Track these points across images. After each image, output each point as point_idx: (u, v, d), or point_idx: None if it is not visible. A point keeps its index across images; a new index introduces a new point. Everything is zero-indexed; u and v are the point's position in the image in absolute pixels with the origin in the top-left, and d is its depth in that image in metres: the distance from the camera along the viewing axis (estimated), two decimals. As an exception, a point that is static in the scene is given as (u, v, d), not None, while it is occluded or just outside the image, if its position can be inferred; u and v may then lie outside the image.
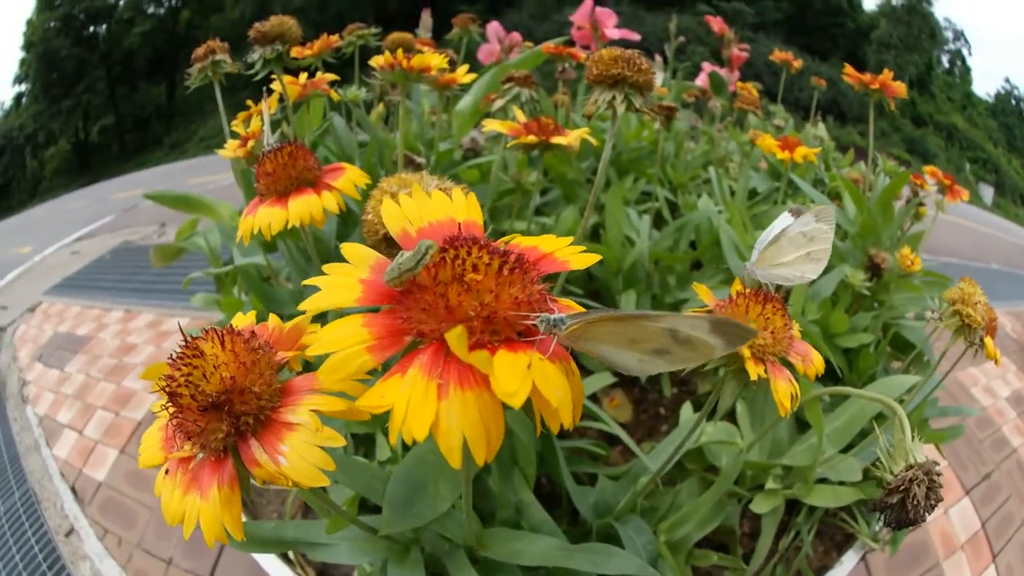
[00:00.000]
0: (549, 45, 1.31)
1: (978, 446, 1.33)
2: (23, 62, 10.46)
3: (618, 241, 1.10)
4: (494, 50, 1.61)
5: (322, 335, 0.26)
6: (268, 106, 0.75)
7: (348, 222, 0.93)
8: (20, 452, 1.36)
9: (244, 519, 0.30)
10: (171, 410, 0.30)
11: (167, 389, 0.30)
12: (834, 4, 11.65)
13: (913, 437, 0.41)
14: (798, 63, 1.86)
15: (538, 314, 0.28)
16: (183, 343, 0.31)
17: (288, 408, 0.30)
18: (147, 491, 1.12)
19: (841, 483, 0.80)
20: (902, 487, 0.38)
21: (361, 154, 1.02)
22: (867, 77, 1.03)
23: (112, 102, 11.10)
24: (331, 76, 0.92)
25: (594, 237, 1.17)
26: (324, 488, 0.49)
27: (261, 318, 0.37)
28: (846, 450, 0.79)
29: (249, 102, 0.88)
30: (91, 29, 10.82)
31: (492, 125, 0.73)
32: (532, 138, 0.70)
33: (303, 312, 0.31)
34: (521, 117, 0.76)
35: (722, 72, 2.05)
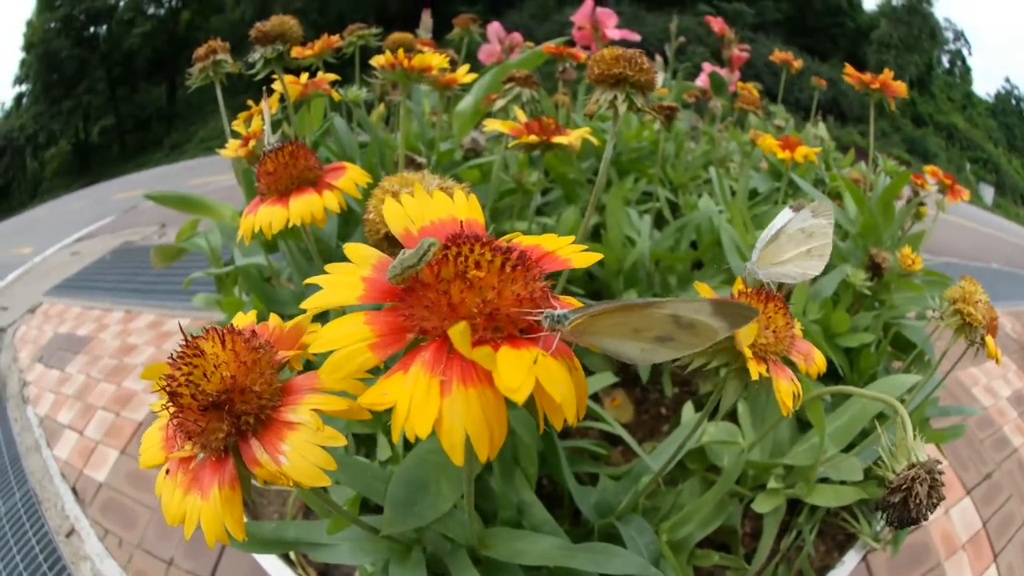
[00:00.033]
0: (550, 45, 1.31)
1: (979, 446, 1.33)
2: (23, 63, 10.47)
3: (619, 241, 1.10)
4: (495, 50, 1.61)
5: (323, 333, 0.26)
6: (269, 106, 0.75)
7: (349, 222, 0.93)
8: (21, 453, 1.36)
9: (245, 519, 0.30)
10: (171, 410, 0.30)
11: (167, 389, 0.30)
12: (834, 4, 11.65)
13: (915, 436, 0.41)
14: (798, 63, 1.86)
15: (542, 310, 0.28)
16: (183, 342, 0.31)
17: (289, 407, 0.30)
18: (148, 492, 1.12)
19: (843, 482, 0.80)
20: (904, 486, 0.38)
21: (362, 154, 1.02)
22: (867, 77, 1.03)
23: (112, 103, 11.11)
24: (332, 76, 0.92)
25: (595, 237, 1.17)
26: (325, 488, 0.49)
27: (262, 318, 0.37)
28: (847, 449, 0.79)
29: (250, 102, 0.88)
30: (91, 30, 10.83)
31: (493, 125, 0.73)
32: (533, 138, 0.70)
33: (304, 312, 0.31)
34: (522, 117, 0.76)
35: (722, 72, 2.05)
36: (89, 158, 10.63)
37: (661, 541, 0.68)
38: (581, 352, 0.31)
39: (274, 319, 0.37)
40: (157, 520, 1.06)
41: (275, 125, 0.75)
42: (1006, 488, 1.23)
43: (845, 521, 0.93)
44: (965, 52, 12.12)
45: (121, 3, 10.98)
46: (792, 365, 0.47)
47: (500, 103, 0.89)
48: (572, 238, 0.33)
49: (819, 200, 0.56)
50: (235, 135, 0.82)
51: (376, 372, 0.26)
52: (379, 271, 0.30)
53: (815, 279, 0.98)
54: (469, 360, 0.25)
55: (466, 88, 1.11)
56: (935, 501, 0.38)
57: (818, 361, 0.48)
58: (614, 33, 1.58)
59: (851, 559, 0.92)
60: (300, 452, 0.28)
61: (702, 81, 2.04)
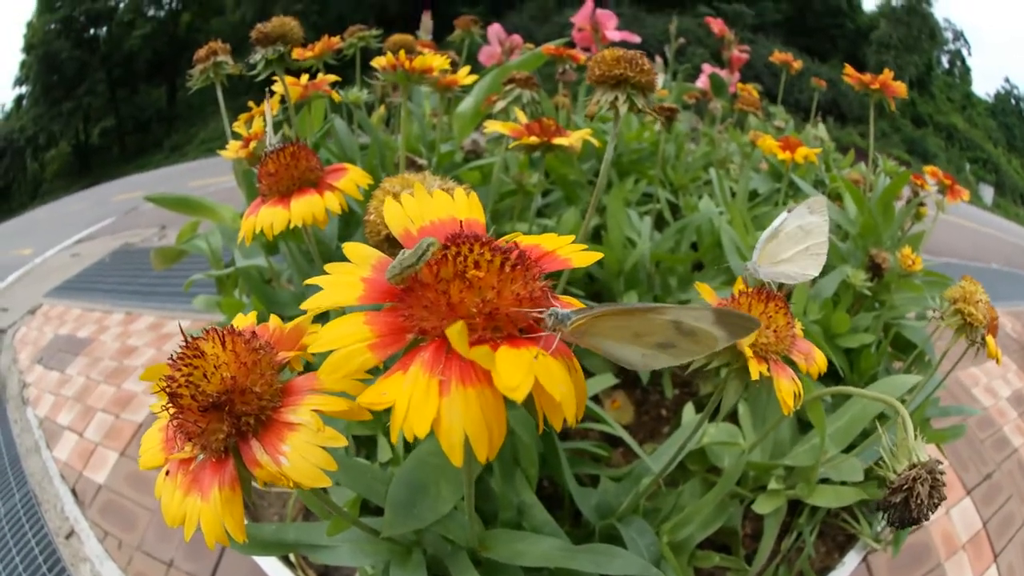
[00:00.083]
0: (550, 47, 1.31)
1: (979, 446, 1.33)
2: (23, 64, 10.47)
3: (619, 242, 1.10)
4: (495, 52, 1.62)
5: (323, 333, 0.26)
6: (270, 107, 0.75)
7: (350, 223, 0.93)
8: (20, 454, 1.36)
9: (245, 521, 0.30)
10: (171, 411, 0.30)
11: (167, 390, 0.30)
12: (834, 5, 11.66)
13: (916, 436, 0.41)
14: (798, 64, 1.86)
15: (543, 309, 0.27)
16: (184, 343, 0.31)
17: (289, 408, 0.30)
18: (148, 493, 1.12)
19: (843, 483, 0.80)
20: (905, 486, 0.38)
21: (362, 156, 1.02)
22: (867, 77, 1.03)
23: (112, 104, 11.11)
24: (332, 77, 0.92)
25: (596, 239, 1.17)
26: (325, 490, 0.49)
27: (262, 319, 0.37)
28: (848, 450, 0.79)
29: (251, 103, 0.88)
30: (91, 31, 10.84)
31: (494, 126, 0.73)
32: (534, 139, 0.70)
33: (305, 312, 0.31)
34: (523, 118, 0.76)
35: (722, 73, 2.05)
36: (89, 160, 10.63)
37: (662, 542, 0.68)
38: (581, 354, 0.31)
39: (274, 320, 0.37)
40: (157, 522, 1.06)
41: (276, 126, 0.75)
42: (1006, 488, 1.23)
43: (846, 522, 0.93)
44: (965, 52, 12.13)
45: (121, 5, 10.99)
46: (793, 365, 0.47)
47: (500, 104, 0.89)
48: (572, 237, 0.33)
49: (814, 198, 0.56)
50: (236, 136, 0.82)
51: (376, 372, 0.26)
52: (379, 271, 0.30)
53: (815, 279, 0.98)
54: (468, 360, 0.25)
55: (467, 90, 1.12)
56: (936, 501, 0.38)
57: (819, 361, 0.48)
58: (614, 35, 1.58)
59: (852, 560, 0.92)
60: (300, 453, 0.28)
61: (702, 82, 2.04)
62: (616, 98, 0.55)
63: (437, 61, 0.74)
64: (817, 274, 0.56)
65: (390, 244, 0.47)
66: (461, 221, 0.33)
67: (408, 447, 0.77)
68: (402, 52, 0.73)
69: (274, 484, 0.29)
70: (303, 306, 0.28)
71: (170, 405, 0.30)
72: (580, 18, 1.60)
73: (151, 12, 11.21)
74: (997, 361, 0.62)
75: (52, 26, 10.35)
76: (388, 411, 0.24)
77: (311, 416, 0.29)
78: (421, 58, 0.73)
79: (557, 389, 0.25)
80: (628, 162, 1.43)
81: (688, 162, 1.60)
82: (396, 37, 1.17)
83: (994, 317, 0.61)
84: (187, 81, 0.86)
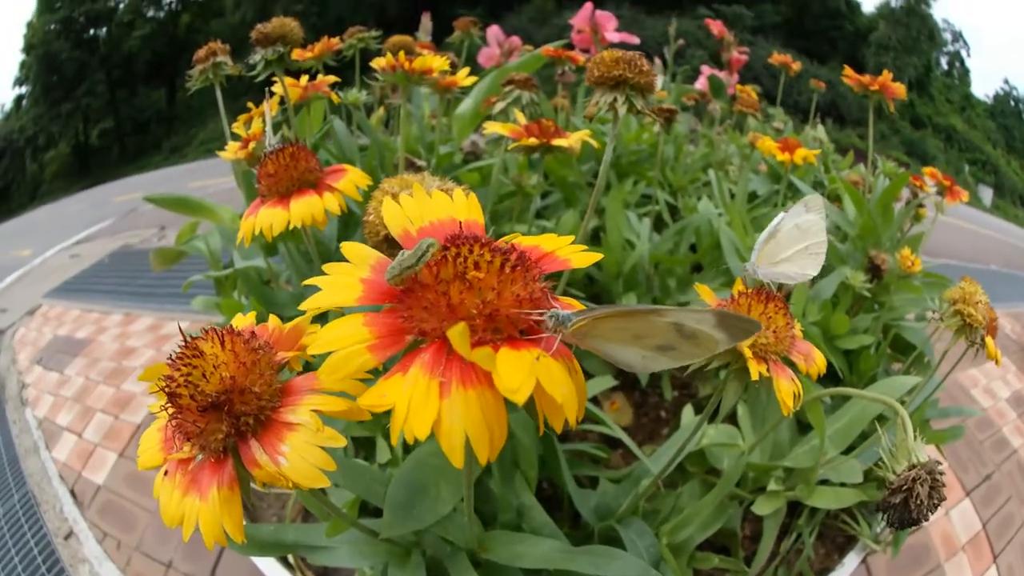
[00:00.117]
0: (549, 48, 1.31)
1: (978, 447, 1.33)
2: (23, 64, 10.48)
3: (618, 244, 1.10)
4: (494, 54, 1.62)
5: (322, 334, 0.26)
6: (269, 108, 0.75)
7: (349, 224, 0.93)
8: (19, 454, 1.36)
9: (244, 522, 0.29)
10: (170, 411, 0.30)
11: (166, 389, 0.29)
12: (833, 7, 11.68)
13: (915, 437, 0.41)
14: (797, 66, 1.87)
15: (544, 311, 0.27)
16: (183, 343, 0.31)
17: (288, 408, 0.30)
18: (146, 494, 1.12)
19: (843, 484, 0.79)
20: (905, 486, 0.38)
21: (362, 157, 1.02)
22: (867, 79, 1.03)
23: (112, 105, 11.12)
24: (332, 78, 0.92)
25: (594, 240, 1.17)
26: (324, 491, 0.49)
27: (261, 320, 0.37)
28: (847, 451, 0.79)
29: (250, 104, 0.88)
30: (91, 32, 10.85)
31: (493, 127, 0.73)
32: (533, 140, 0.70)
33: (304, 313, 0.31)
34: (522, 119, 0.76)
35: (721, 75, 2.05)
36: (88, 160, 10.64)
37: (661, 544, 0.68)
38: (579, 356, 0.31)
39: (273, 320, 0.37)
40: (156, 523, 1.05)
41: (275, 127, 0.75)
42: (1005, 489, 1.23)
43: (845, 523, 0.93)
44: (964, 54, 12.16)
45: (121, 6, 11.00)
46: (792, 365, 0.47)
47: (500, 106, 0.89)
48: (571, 238, 0.33)
49: (811, 197, 0.56)
50: (235, 137, 0.82)
51: (376, 373, 0.26)
52: (378, 272, 0.29)
53: (814, 280, 0.98)
54: (468, 361, 0.24)
55: (466, 91, 1.12)
56: (936, 502, 0.38)
57: (818, 361, 0.48)
58: (613, 36, 1.58)
59: (851, 561, 0.91)
60: (300, 453, 0.28)
61: (701, 84, 2.04)
62: (615, 99, 0.55)
63: (436, 62, 0.74)
64: (816, 273, 0.56)
65: (389, 245, 0.47)
66: (460, 222, 0.33)
67: (407, 448, 0.77)
68: (401, 53, 0.73)
69: (273, 485, 0.28)
70: (302, 306, 0.28)
71: (169, 405, 0.30)
72: (579, 20, 1.60)
73: (151, 13, 11.23)
74: (996, 362, 0.62)
75: (52, 26, 10.36)
76: (387, 413, 0.24)
77: (310, 416, 0.29)
78: (420, 59, 0.73)
79: (558, 391, 0.25)
80: (627, 164, 1.43)
81: (687, 164, 1.60)
82: (395, 38, 1.17)
83: (993, 318, 0.61)
84: (186, 82, 0.86)
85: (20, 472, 1.30)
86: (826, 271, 0.57)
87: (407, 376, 0.25)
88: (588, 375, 0.93)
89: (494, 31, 1.61)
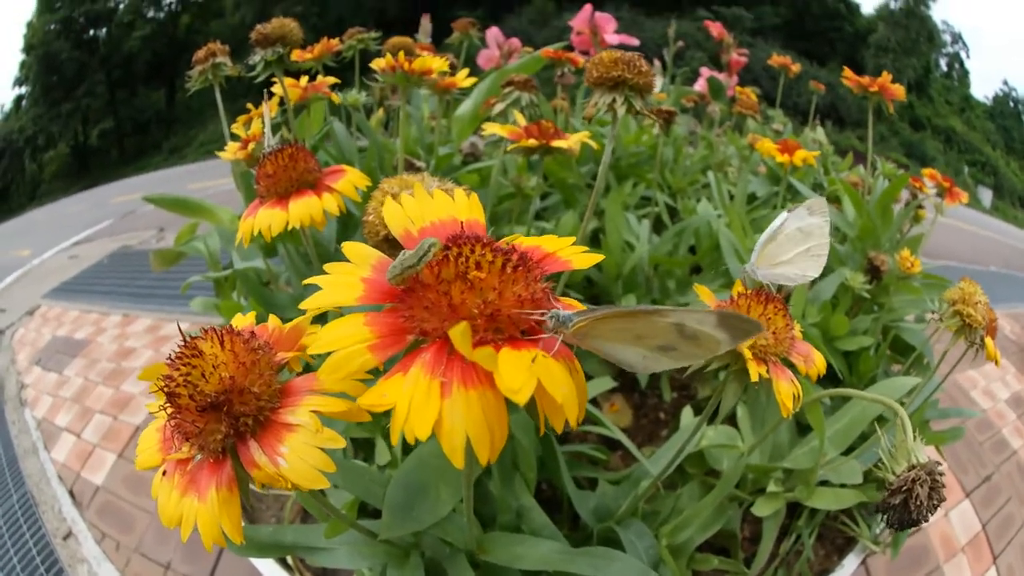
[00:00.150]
0: (548, 50, 1.31)
1: (978, 448, 1.33)
2: (23, 64, 10.49)
3: (618, 246, 1.10)
4: (494, 55, 1.62)
5: (322, 334, 0.26)
6: (269, 108, 0.75)
7: (348, 225, 0.93)
8: (18, 455, 1.36)
9: (242, 522, 0.29)
10: (169, 411, 0.30)
11: (165, 389, 0.29)
12: (832, 8, 11.70)
13: (915, 438, 0.41)
14: (796, 67, 1.87)
15: (545, 311, 0.27)
16: (182, 343, 0.31)
17: (288, 409, 0.30)
18: (145, 495, 1.12)
19: (842, 486, 0.79)
20: (905, 487, 0.38)
21: (361, 159, 1.02)
22: (866, 80, 1.03)
23: (112, 106, 11.12)
24: (331, 80, 0.92)
25: (594, 242, 1.17)
26: (323, 492, 0.49)
27: (260, 322, 0.37)
28: (847, 452, 0.79)
29: (249, 105, 0.88)
30: (91, 32, 10.85)
31: (492, 128, 0.73)
32: (532, 141, 0.70)
33: (303, 313, 0.31)
34: (521, 121, 0.76)
35: (721, 77, 2.06)
36: (88, 161, 10.64)
37: (660, 545, 0.68)
38: (579, 357, 0.31)
39: (273, 320, 0.37)
40: (155, 524, 1.05)
41: (274, 128, 0.75)
42: (1005, 490, 1.23)
43: (845, 524, 0.93)
44: (963, 55, 12.18)
45: (121, 6, 11.00)
46: (792, 366, 0.47)
47: (499, 107, 0.89)
48: (572, 239, 0.33)
49: (814, 200, 0.56)
50: (234, 138, 0.82)
51: (376, 374, 0.26)
52: (379, 272, 0.29)
53: (814, 282, 0.98)
54: (470, 362, 0.24)
55: (465, 93, 1.12)
56: (935, 502, 0.38)
57: (818, 362, 0.47)
58: (613, 38, 1.58)
59: (851, 562, 0.91)
60: (299, 454, 0.28)
61: (700, 86, 2.04)
62: (614, 100, 0.55)
63: (436, 63, 0.74)
64: (817, 275, 0.55)
65: (389, 245, 0.47)
66: (462, 222, 0.33)
67: (406, 450, 0.77)
68: (401, 54, 0.73)
69: (272, 486, 0.28)
70: (302, 306, 0.28)
71: (168, 405, 0.29)
72: (579, 22, 1.60)
73: (151, 14, 11.23)
74: (996, 363, 0.62)
75: (52, 27, 10.36)
76: (387, 414, 0.24)
77: (310, 417, 0.29)
78: (420, 60, 0.73)
79: (559, 391, 0.25)
80: (626, 165, 1.43)
81: (686, 165, 1.60)
82: (395, 39, 1.17)
83: (993, 319, 0.61)
84: (186, 83, 0.86)
85: (19, 472, 1.30)
86: (825, 272, 0.57)
87: (408, 376, 0.24)
88: (587, 376, 0.92)
89: (493, 33, 1.61)
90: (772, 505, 0.79)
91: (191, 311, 1.12)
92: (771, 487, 0.80)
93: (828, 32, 11.70)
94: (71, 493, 1.19)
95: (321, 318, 0.46)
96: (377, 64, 0.73)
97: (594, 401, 1.03)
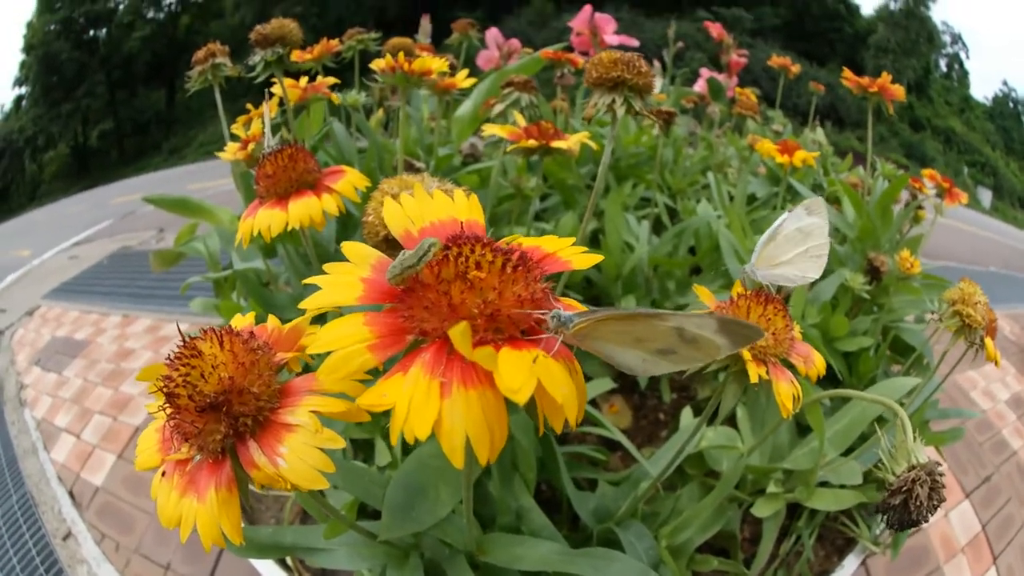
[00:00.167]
0: (548, 51, 1.31)
1: (978, 449, 1.33)
2: (23, 64, 10.49)
3: (617, 247, 1.10)
4: (493, 56, 1.62)
5: (322, 334, 0.26)
6: (269, 109, 0.75)
7: (348, 226, 0.93)
8: (18, 455, 1.36)
9: (242, 523, 0.29)
10: (168, 411, 0.30)
11: (164, 389, 0.29)
12: (832, 9, 11.71)
13: (915, 438, 0.41)
14: (796, 68, 1.87)
15: (546, 311, 0.27)
16: (181, 343, 0.31)
17: (287, 409, 0.29)
18: (145, 496, 1.11)
19: (842, 486, 0.79)
20: (905, 488, 0.38)
21: (361, 159, 1.02)
22: (866, 80, 1.03)
23: (111, 107, 11.12)
24: (331, 80, 0.92)
25: (593, 243, 1.17)
26: (323, 492, 0.49)
27: (260, 322, 0.37)
28: (847, 453, 0.79)
29: (249, 106, 0.88)
30: (91, 33, 10.85)
31: (492, 129, 0.73)
32: (532, 142, 0.70)
33: (303, 313, 0.31)
34: (521, 121, 0.76)
35: (720, 78, 2.06)
36: (88, 162, 10.64)
37: (660, 546, 0.68)
38: (579, 358, 0.31)
39: (272, 320, 0.37)
40: (154, 525, 1.05)
41: (274, 129, 0.75)
42: (1005, 491, 1.23)
43: (844, 525, 0.92)
44: (963, 56, 12.18)
45: (121, 7, 11.00)
46: (792, 367, 0.47)
47: (499, 108, 0.89)
48: (572, 239, 0.33)
49: (812, 200, 0.56)
50: (234, 139, 0.82)
51: (376, 374, 0.26)
52: (378, 272, 0.29)
53: (813, 283, 0.98)
54: (469, 362, 0.24)
55: (465, 94, 1.12)
56: (935, 503, 0.38)
57: (817, 363, 0.47)
58: (612, 39, 1.58)
59: (850, 563, 0.91)
60: (298, 454, 0.28)
61: (700, 87, 2.04)
62: (613, 100, 0.55)
63: (436, 63, 0.74)
64: (817, 276, 0.55)
65: (388, 245, 0.47)
66: (462, 222, 0.33)
67: (406, 451, 0.77)
68: (401, 54, 0.73)
69: (271, 486, 0.28)
70: (301, 305, 0.28)
71: (167, 405, 0.29)
72: (578, 22, 1.60)
73: (150, 14, 11.23)
74: (996, 363, 0.62)
75: (52, 27, 10.37)
76: (386, 414, 0.24)
77: (309, 417, 0.28)
78: (420, 60, 0.73)
79: (559, 391, 0.25)
80: (626, 166, 1.43)
81: (686, 166, 1.60)
82: (395, 40, 1.17)
83: (993, 319, 0.61)
84: (186, 84, 0.86)
85: (19, 473, 1.30)
86: (825, 273, 0.57)
87: (408, 376, 0.24)
88: (587, 377, 0.92)
89: (493, 33, 1.61)
90: (772, 506, 0.79)
91: (191, 312, 1.12)
92: (771, 488, 0.80)
93: (828, 33, 11.70)
94: (71, 494, 1.19)
95: (321, 318, 0.46)
96: (377, 65, 0.73)
97: (594, 402, 1.03)
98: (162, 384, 0.29)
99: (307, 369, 0.34)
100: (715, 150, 1.65)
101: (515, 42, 1.64)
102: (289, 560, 0.88)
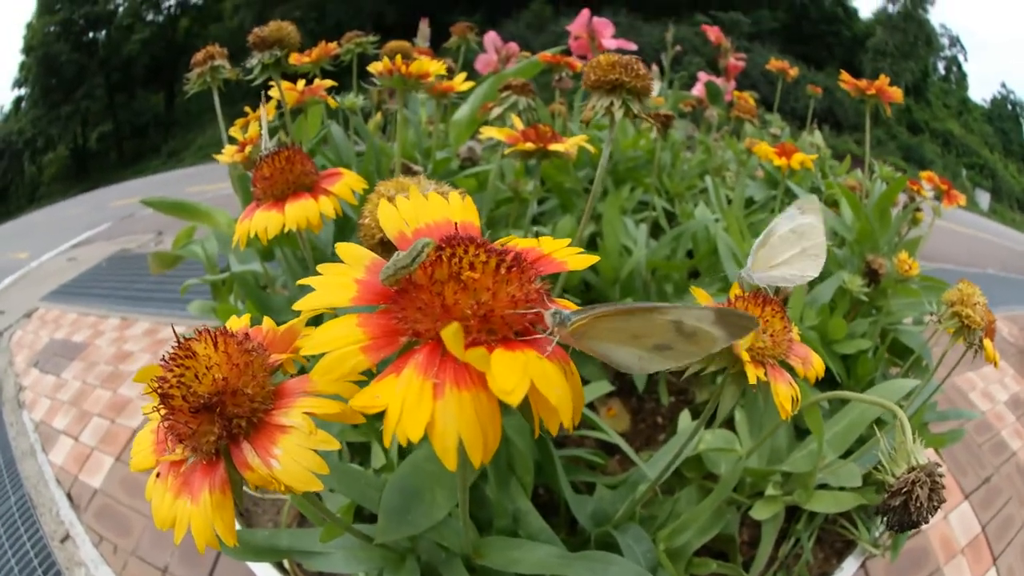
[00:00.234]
0: (546, 55, 1.31)
1: (977, 450, 1.32)
2: (22, 66, 10.50)
3: (615, 250, 1.10)
4: (491, 60, 1.62)
5: (315, 335, 0.26)
6: (266, 111, 0.75)
7: (345, 229, 0.93)
8: (16, 457, 1.35)
9: (238, 527, 0.29)
10: (162, 412, 0.29)
11: (159, 390, 0.29)
12: (830, 12, 11.74)
13: (914, 439, 0.41)
14: (794, 72, 1.87)
15: (546, 309, 0.27)
16: (176, 344, 0.31)
17: (281, 410, 0.29)
18: (142, 499, 1.10)
19: (841, 489, 0.79)
20: (904, 489, 0.38)
21: (358, 162, 1.02)
22: (863, 83, 1.03)
23: (111, 109, 11.13)
24: (329, 83, 0.92)
25: (591, 246, 1.17)
26: (319, 496, 0.49)
27: (256, 324, 0.37)
28: (846, 455, 0.79)
29: (247, 108, 0.88)
30: (91, 35, 10.87)
31: (490, 132, 0.73)
32: (530, 145, 0.70)
33: (298, 315, 0.31)
34: (519, 125, 0.76)
35: (718, 81, 2.06)
36: (87, 164, 10.64)
37: (658, 549, 0.68)
38: (577, 361, 0.31)
39: (267, 322, 0.36)
40: (152, 527, 1.05)
41: (272, 132, 0.75)
42: (1004, 492, 1.23)
43: (844, 528, 0.92)
44: (961, 58, 12.21)
45: (120, 9, 11.02)
46: (790, 369, 0.47)
47: (497, 111, 0.89)
48: (568, 241, 0.33)
49: (804, 199, 0.55)
50: (232, 141, 0.82)
51: (370, 375, 0.26)
52: (372, 273, 0.29)
53: (812, 285, 0.98)
54: (463, 363, 0.24)
55: (463, 97, 1.12)
56: (935, 504, 0.38)
57: (816, 365, 0.47)
58: (610, 43, 1.59)
59: (850, 565, 0.91)
60: (292, 456, 0.28)
61: (698, 90, 2.05)
62: (611, 103, 0.55)
63: (434, 66, 0.74)
64: (816, 275, 0.55)
65: (384, 248, 0.47)
66: (456, 223, 0.33)
67: (402, 453, 0.77)
68: (399, 57, 0.73)
69: (266, 488, 0.28)
70: (296, 306, 0.28)
71: (161, 406, 0.29)
72: (576, 26, 1.60)
73: (150, 17, 11.25)
74: (995, 365, 0.62)
75: (51, 28, 10.38)
76: (382, 416, 0.24)
77: (303, 419, 0.28)
78: (418, 63, 0.73)
79: (553, 392, 0.24)
80: (624, 170, 1.43)
81: (684, 170, 1.60)
82: (393, 43, 1.17)
83: (991, 320, 0.61)
84: (185, 86, 0.86)
85: (17, 475, 1.29)
86: (823, 276, 0.57)
87: (400, 377, 0.24)
88: (585, 380, 0.93)
89: (491, 37, 1.62)
90: (771, 508, 0.79)
91: (189, 314, 1.12)
92: (769, 490, 0.80)
93: (826, 36, 11.73)
94: (69, 496, 1.19)
95: (317, 320, 0.46)
96: (374, 68, 0.73)
97: (591, 405, 1.02)
98: (156, 385, 0.29)
99: (302, 371, 0.34)
100: (713, 154, 1.66)
101: (513, 46, 1.64)
102: (286, 563, 0.88)
